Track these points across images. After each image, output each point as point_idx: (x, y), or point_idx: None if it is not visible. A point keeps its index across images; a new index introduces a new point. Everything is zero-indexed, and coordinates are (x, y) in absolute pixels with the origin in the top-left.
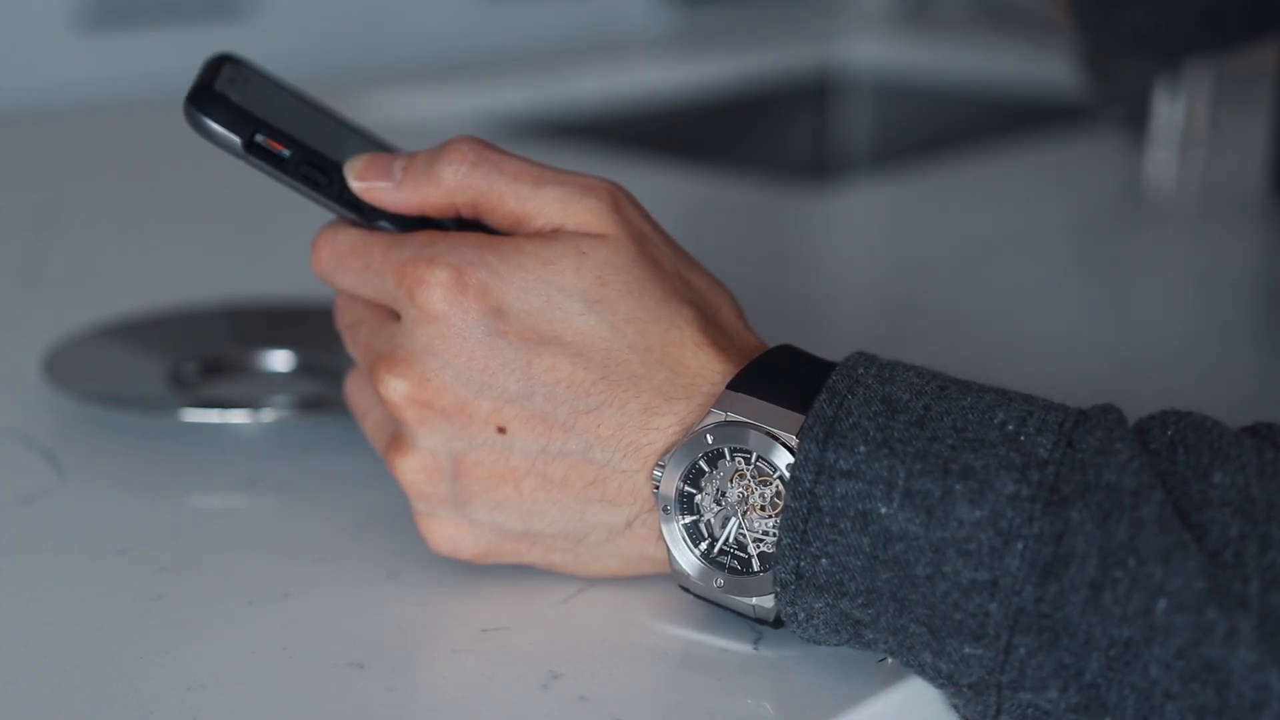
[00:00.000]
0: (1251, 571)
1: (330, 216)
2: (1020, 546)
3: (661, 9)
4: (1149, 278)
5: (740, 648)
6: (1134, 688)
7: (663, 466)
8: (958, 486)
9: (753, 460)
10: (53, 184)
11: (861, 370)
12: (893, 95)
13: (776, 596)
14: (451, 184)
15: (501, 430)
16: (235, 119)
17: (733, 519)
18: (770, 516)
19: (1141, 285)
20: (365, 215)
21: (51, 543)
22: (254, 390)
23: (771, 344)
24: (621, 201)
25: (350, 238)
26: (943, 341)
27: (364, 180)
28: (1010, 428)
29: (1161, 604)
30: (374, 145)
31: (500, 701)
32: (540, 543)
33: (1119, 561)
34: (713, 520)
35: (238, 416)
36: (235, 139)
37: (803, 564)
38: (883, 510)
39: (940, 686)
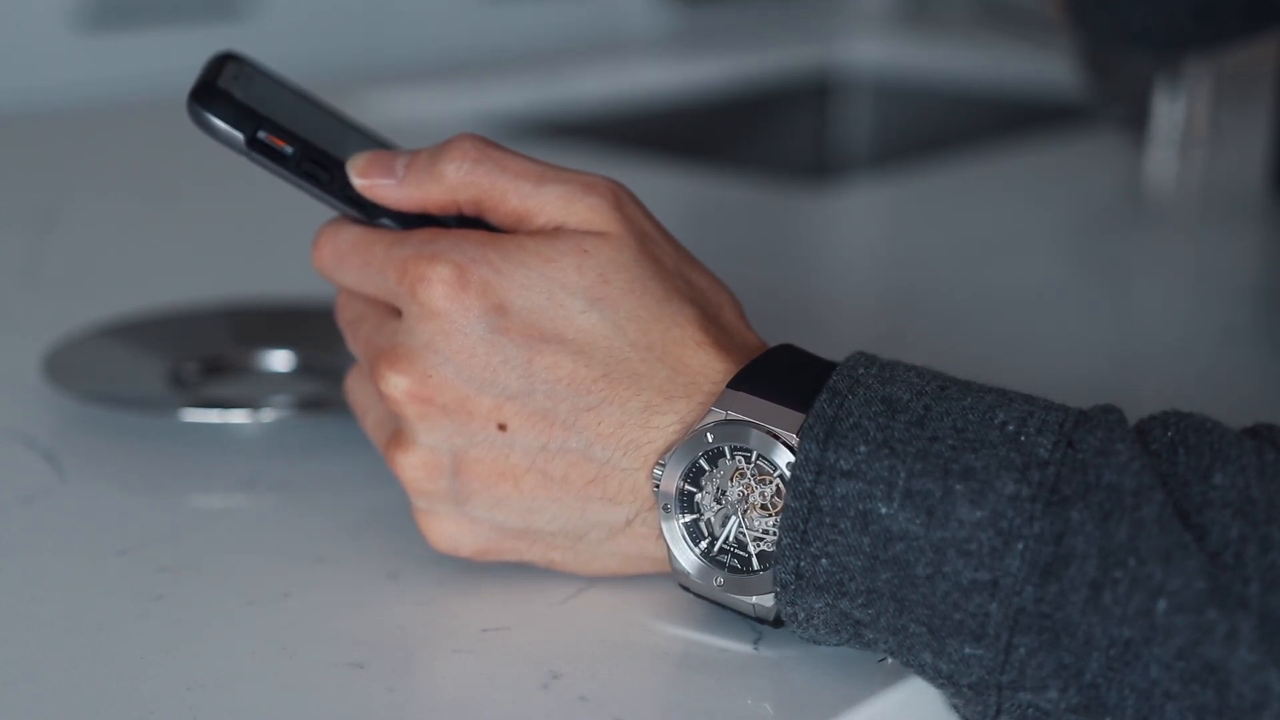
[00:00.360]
0: (1252, 573)
1: (332, 214)
2: (1020, 547)
3: (661, 9)
4: (1149, 278)
5: (740, 648)
6: (1134, 688)
7: (663, 465)
8: (958, 487)
9: (753, 459)
10: (53, 184)
11: (862, 370)
12: (893, 95)
13: (776, 596)
14: (454, 181)
15: (502, 427)
16: (238, 115)
17: (733, 518)
18: (770, 515)
19: (1141, 285)
20: (367, 212)
21: (51, 543)
22: (254, 390)
23: (772, 344)
24: (624, 200)
25: (352, 235)
26: (943, 341)
27: (366, 177)
28: (1011, 428)
29: (1162, 604)
30: (376, 143)
31: (500, 701)
32: (540, 540)
33: (1119, 562)
34: (713, 519)
35: (238, 416)
36: (238, 135)
37: (803, 564)
38: (883, 510)
39: (940, 687)
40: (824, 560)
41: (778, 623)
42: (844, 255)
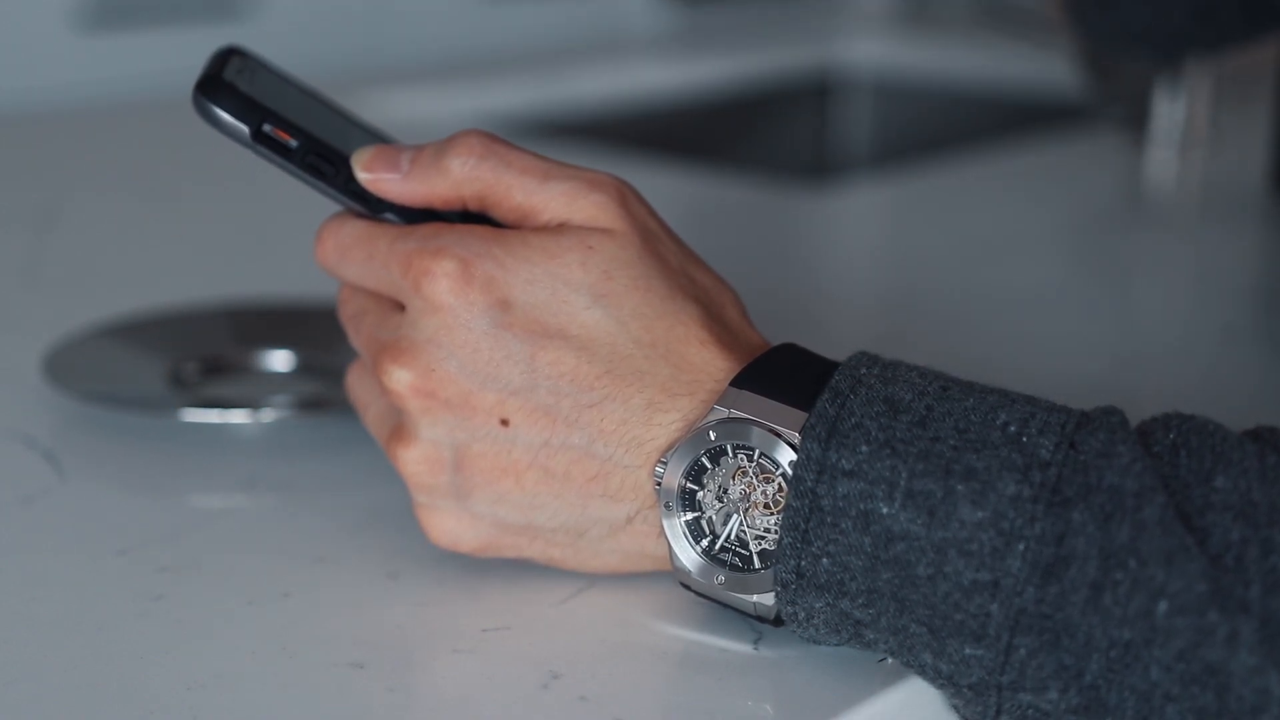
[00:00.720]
0: (1253, 576)
1: (335, 209)
2: (1021, 547)
3: (661, 9)
4: (1149, 278)
5: (740, 648)
6: (1134, 689)
7: (665, 463)
8: (959, 487)
9: (755, 457)
10: (53, 184)
11: (864, 370)
12: (893, 95)
13: (777, 596)
14: (459, 176)
15: (504, 423)
16: (244, 108)
17: (734, 516)
18: (772, 514)
19: (1141, 285)
20: (371, 207)
21: (51, 543)
22: (254, 390)
23: (774, 343)
24: (628, 197)
25: (355, 229)
26: (942, 341)
27: (371, 171)
28: (1012, 429)
29: (1162, 605)
30: (379, 139)
31: (500, 701)
32: (540, 537)
33: (1120, 563)
34: (714, 517)
35: (238, 416)
36: (244, 128)
37: (803, 563)
38: (884, 510)
39: (940, 687)
40: (825, 560)
41: (778, 622)
42: (844, 255)
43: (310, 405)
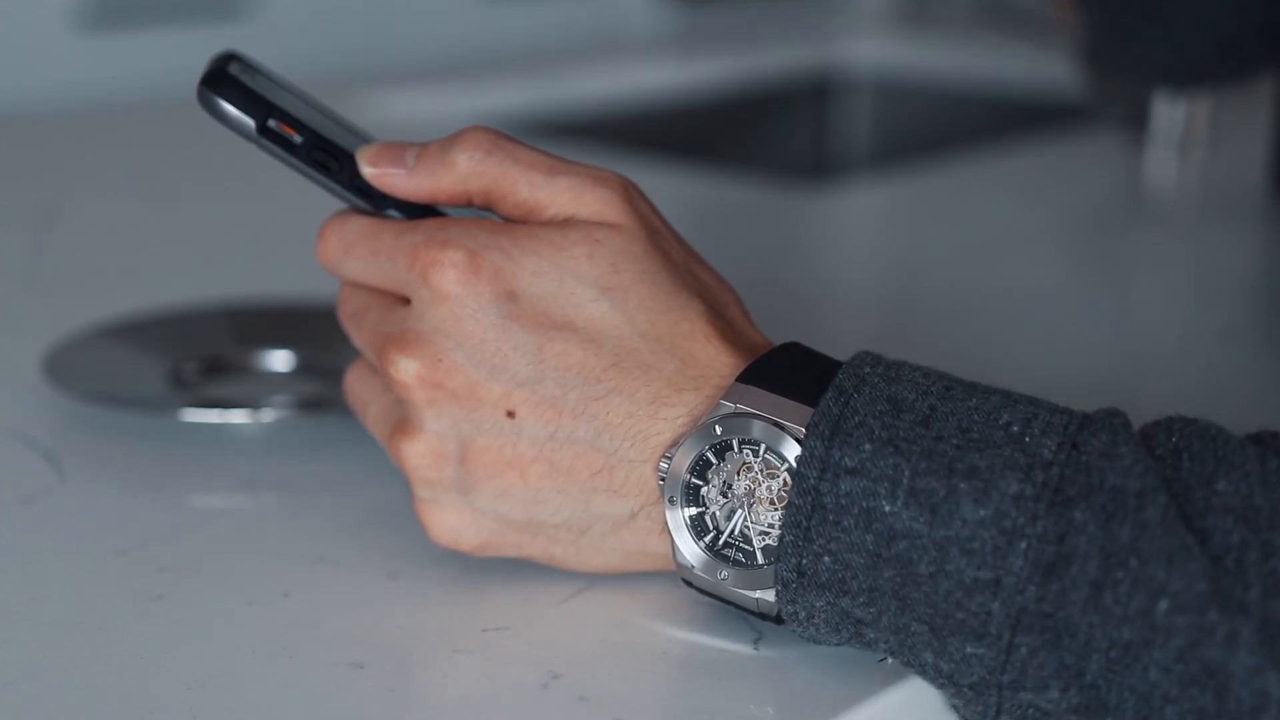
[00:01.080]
0: (1253, 578)
1: (337, 208)
2: (1023, 546)
3: (661, 9)
4: (1149, 278)
5: (740, 648)
6: (1134, 690)
7: (670, 457)
8: (962, 486)
9: (761, 452)
10: (53, 184)
11: (868, 369)
12: (893, 95)
13: (777, 595)
14: (465, 171)
15: (511, 414)
16: (250, 102)
17: (739, 511)
18: (776, 509)
19: (1141, 285)
20: (374, 203)
21: (51, 543)
22: (254, 390)
23: (775, 343)
24: (633, 193)
25: (360, 225)
26: (942, 341)
27: (376, 166)
28: (1015, 429)
29: (1163, 605)
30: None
31: (500, 701)
32: (543, 534)
33: (1121, 562)
34: (718, 513)
35: (238, 416)
36: (250, 122)
37: (805, 561)
38: (886, 508)
39: (940, 687)
40: (826, 558)
41: (780, 619)
42: (844, 255)
43: (310, 405)
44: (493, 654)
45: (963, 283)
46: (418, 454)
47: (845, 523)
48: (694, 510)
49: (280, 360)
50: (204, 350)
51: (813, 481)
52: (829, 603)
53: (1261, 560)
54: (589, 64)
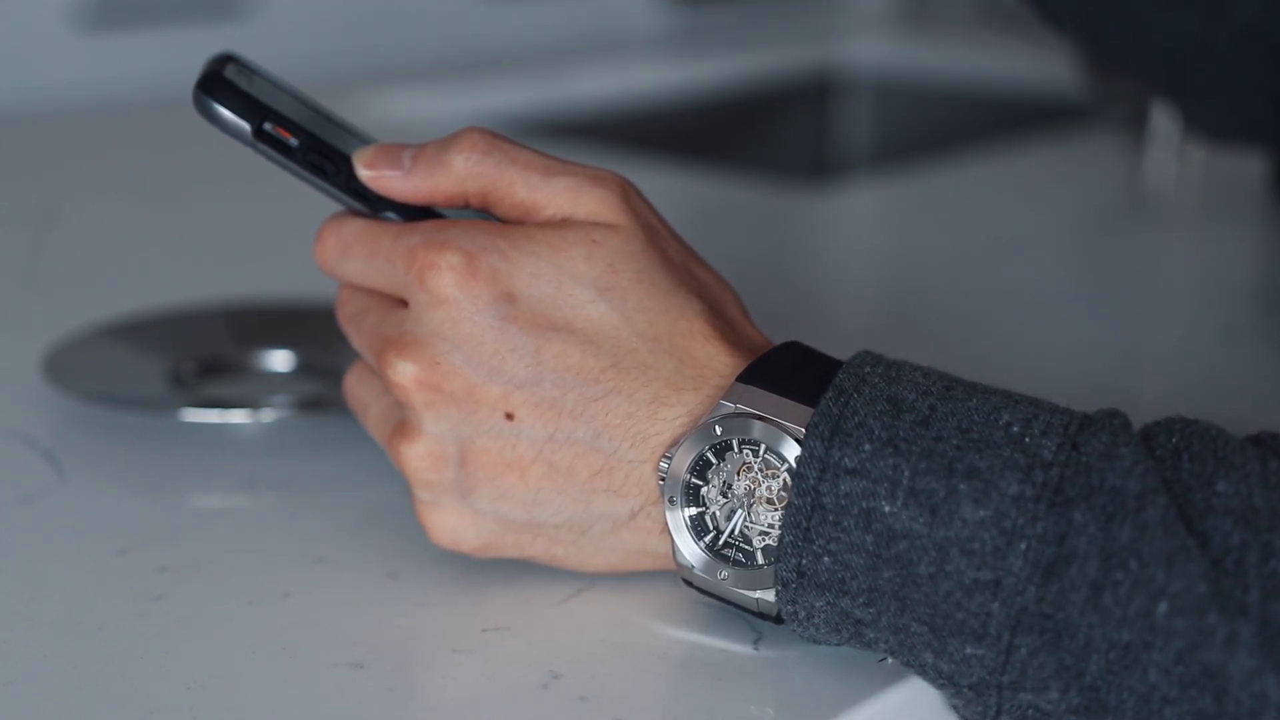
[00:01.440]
0: (1252, 580)
1: (335, 209)
2: (1023, 546)
3: (661, 9)
4: (1149, 278)
5: (740, 648)
6: (1133, 691)
7: (670, 457)
8: (962, 486)
9: (761, 453)
10: (53, 184)
11: (868, 369)
12: (893, 95)
13: (778, 594)
14: (462, 172)
15: (509, 416)
16: (245, 106)
17: (739, 511)
18: (776, 510)
19: (1141, 285)
20: (371, 205)
21: (51, 543)
22: (254, 390)
23: (774, 342)
24: (630, 193)
25: (357, 226)
26: (942, 341)
27: (373, 168)
28: (1015, 429)
29: (1162, 606)
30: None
31: (500, 701)
32: (543, 534)
33: (1121, 563)
34: (718, 513)
35: (238, 416)
36: (245, 125)
37: (804, 561)
38: (886, 509)
39: (940, 687)
40: (826, 558)
41: (779, 619)
42: (844, 255)
43: (310, 405)
44: (493, 654)
45: (962, 282)
46: (417, 456)
47: (845, 523)
48: (694, 510)
49: (280, 360)
50: (204, 350)
51: (812, 482)
52: (829, 603)
53: (1261, 562)
54: (589, 64)
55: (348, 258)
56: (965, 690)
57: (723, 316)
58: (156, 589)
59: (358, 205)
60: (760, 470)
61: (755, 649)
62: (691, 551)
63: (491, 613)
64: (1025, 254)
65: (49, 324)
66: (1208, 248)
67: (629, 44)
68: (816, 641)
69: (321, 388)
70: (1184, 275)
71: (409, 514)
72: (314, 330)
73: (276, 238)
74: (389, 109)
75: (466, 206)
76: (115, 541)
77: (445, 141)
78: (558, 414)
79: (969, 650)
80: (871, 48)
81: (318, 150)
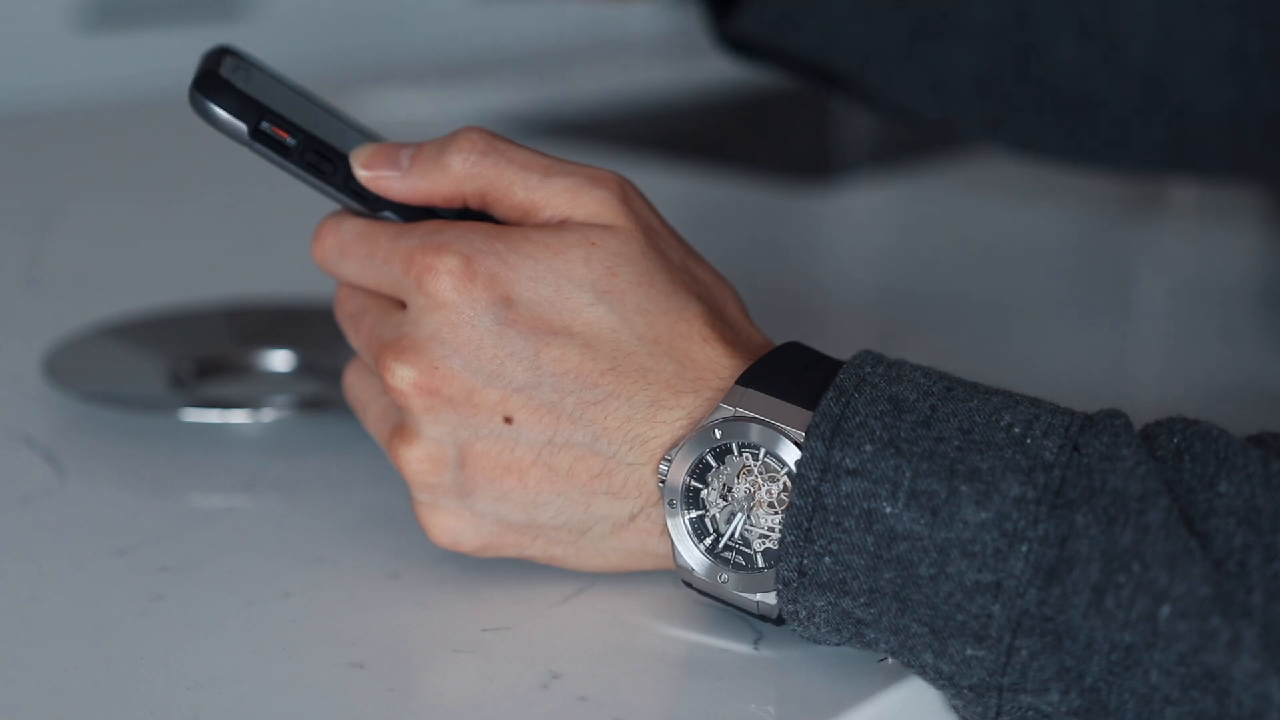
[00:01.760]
0: (1255, 581)
1: (333, 209)
2: (1025, 549)
3: (662, 9)
4: (1149, 278)
5: (740, 648)
6: (1134, 692)
7: (669, 460)
8: (963, 488)
9: (760, 456)
10: (53, 184)
11: (869, 369)
12: None
13: (779, 594)
14: (460, 172)
15: (508, 420)
16: (242, 106)
17: (738, 514)
18: (776, 513)
19: (1141, 285)
20: (369, 205)
21: (51, 543)
22: (254, 390)
23: (775, 343)
24: (629, 193)
25: (355, 226)
26: (942, 341)
27: (371, 169)
28: (1016, 430)
29: (1165, 610)
30: (374, 139)
31: (500, 701)
32: (543, 535)
33: (1123, 566)
34: (718, 515)
35: (238, 416)
36: (241, 126)
37: (805, 561)
38: (887, 510)
39: (941, 688)
40: (827, 559)
41: (780, 620)
42: (844, 255)
43: (310, 405)
44: (493, 654)
45: (962, 283)
46: (416, 459)
47: (846, 524)
48: (694, 513)
49: (280, 360)
50: (204, 350)
51: (814, 483)
52: (830, 603)
53: (1264, 564)
54: (589, 64)
55: (346, 258)
56: (965, 691)
57: (722, 317)
58: (156, 589)
59: (356, 205)
60: (760, 474)
61: (755, 649)
62: (692, 555)
63: (491, 613)
64: (1025, 254)
65: (49, 324)
66: (1208, 248)
67: (629, 44)
68: (817, 641)
69: (321, 388)
70: (1184, 275)
71: (409, 514)
72: (314, 330)
73: (277, 238)
74: (389, 109)
75: (465, 207)
76: (115, 541)
77: (443, 141)
78: (556, 417)
79: (969, 652)
80: None
81: (315, 150)
